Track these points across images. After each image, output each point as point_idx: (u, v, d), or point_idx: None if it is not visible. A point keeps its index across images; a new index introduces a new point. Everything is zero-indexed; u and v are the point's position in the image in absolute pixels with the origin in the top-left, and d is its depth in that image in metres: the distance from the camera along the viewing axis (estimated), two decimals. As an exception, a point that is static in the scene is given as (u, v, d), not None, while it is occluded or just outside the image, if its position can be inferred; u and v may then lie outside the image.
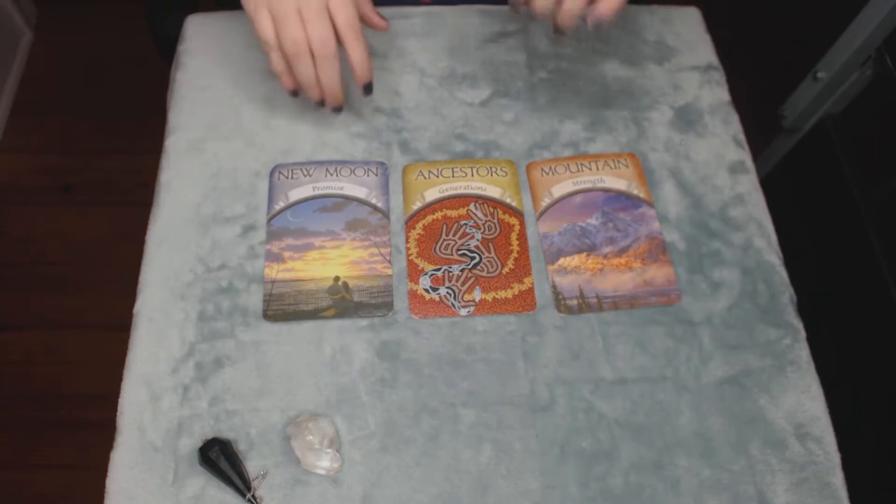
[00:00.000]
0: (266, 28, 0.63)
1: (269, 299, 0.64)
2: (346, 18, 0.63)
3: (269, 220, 0.67)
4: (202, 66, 0.76)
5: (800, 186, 1.20)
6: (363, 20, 0.67)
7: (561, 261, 0.67)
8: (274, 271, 0.65)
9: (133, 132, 1.66)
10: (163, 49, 0.78)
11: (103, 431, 0.59)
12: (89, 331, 1.53)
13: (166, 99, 0.76)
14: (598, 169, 0.72)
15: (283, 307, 0.63)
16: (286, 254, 0.66)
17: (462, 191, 0.70)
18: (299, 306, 0.63)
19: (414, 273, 0.66)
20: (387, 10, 0.81)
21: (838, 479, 0.58)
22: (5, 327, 1.54)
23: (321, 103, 0.67)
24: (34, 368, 1.51)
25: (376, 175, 0.70)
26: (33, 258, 1.62)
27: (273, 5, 0.62)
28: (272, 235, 0.67)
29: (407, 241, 0.67)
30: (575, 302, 0.65)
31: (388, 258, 0.66)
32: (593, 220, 0.69)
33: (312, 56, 0.63)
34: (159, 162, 0.71)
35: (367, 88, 0.67)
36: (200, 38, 0.79)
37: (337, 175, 0.70)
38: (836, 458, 0.59)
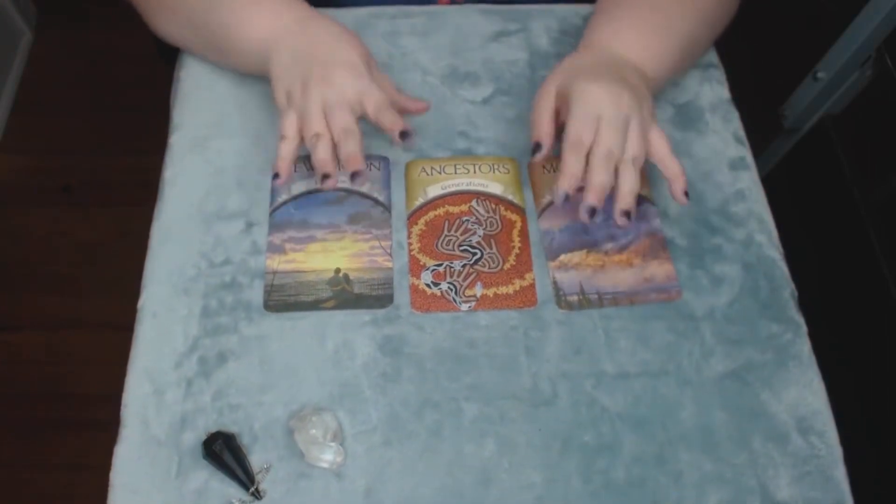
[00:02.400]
0: (290, 126, 0.65)
1: (270, 290, 0.64)
2: (375, 102, 0.65)
3: (272, 212, 0.68)
4: (205, 65, 0.76)
5: (800, 186, 1.20)
6: (402, 111, 0.69)
7: (562, 257, 0.67)
8: (276, 262, 0.65)
9: (133, 132, 1.66)
10: (163, 49, 0.79)
11: (104, 431, 0.59)
12: (90, 331, 1.53)
13: (167, 98, 0.76)
14: (599, 166, 0.72)
15: (283, 298, 0.63)
16: (288, 245, 0.66)
17: (464, 187, 0.70)
18: (300, 297, 0.64)
19: (416, 268, 0.66)
20: (390, 9, 0.81)
21: (840, 473, 0.59)
22: (5, 327, 1.54)
23: (324, 177, 0.65)
24: (34, 368, 1.51)
25: (378, 169, 0.71)
26: (33, 258, 1.62)
27: (298, 105, 0.65)
28: (274, 227, 0.67)
29: (409, 237, 0.67)
30: (575, 298, 0.65)
31: (388, 251, 0.66)
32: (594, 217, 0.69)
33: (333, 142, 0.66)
34: (161, 160, 0.71)
35: (403, 135, 0.66)
36: (203, 35, 0.79)
37: (339, 169, 0.70)
38: (838, 451, 0.59)
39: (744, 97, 0.81)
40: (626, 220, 0.63)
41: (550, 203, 0.70)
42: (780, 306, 0.65)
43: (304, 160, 0.70)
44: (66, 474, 1.40)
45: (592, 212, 0.63)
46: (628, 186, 0.63)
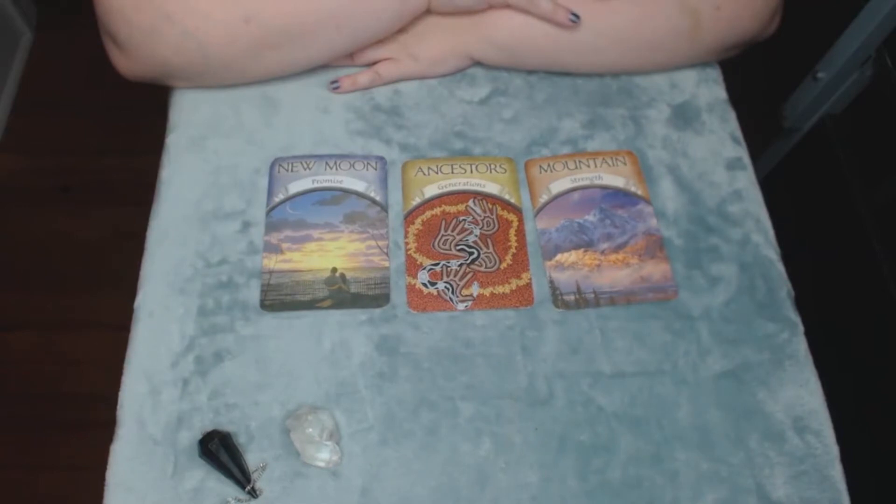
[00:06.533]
0: None
1: (266, 289, 0.64)
2: None
3: (269, 211, 0.68)
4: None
5: (800, 186, 1.20)
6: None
7: (558, 257, 0.67)
8: (272, 262, 0.65)
9: (133, 132, 1.66)
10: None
11: (104, 431, 0.59)
12: (89, 331, 1.53)
13: (166, 98, 0.76)
14: (595, 166, 0.72)
15: (280, 297, 0.64)
16: (284, 245, 0.66)
17: (461, 187, 0.70)
18: (296, 297, 0.64)
19: (412, 268, 0.66)
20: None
21: (837, 472, 0.59)
22: (5, 327, 1.54)
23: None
24: (34, 368, 1.51)
25: (375, 169, 0.71)
26: (32, 258, 1.62)
27: None
28: (271, 227, 0.67)
29: (406, 237, 0.67)
30: (572, 297, 0.65)
31: (385, 251, 0.66)
32: (591, 217, 0.69)
33: None
34: (159, 160, 0.71)
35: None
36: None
37: (336, 168, 0.70)
38: (834, 450, 0.59)
39: (744, 97, 0.81)
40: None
41: (547, 203, 0.70)
42: (776, 306, 0.65)
43: (301, 160, 0.71)
44: (66, 474, 1.40)
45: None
46: None
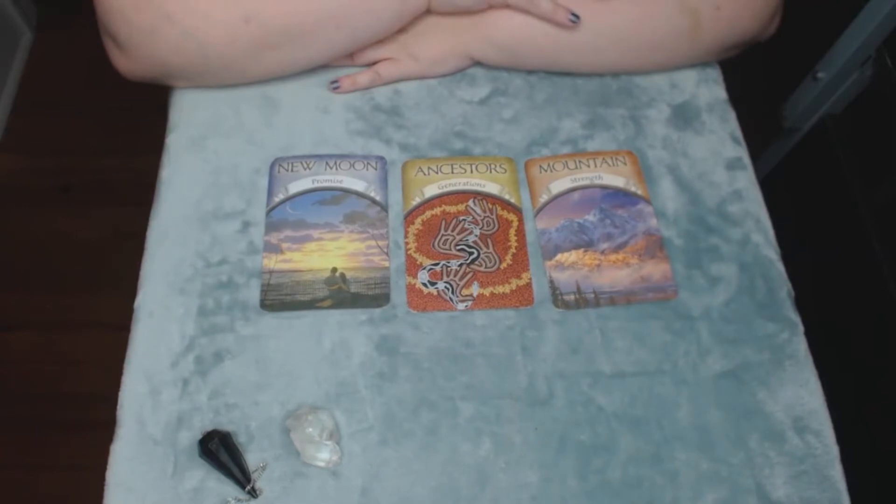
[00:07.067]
0: None
1: (266, 289, 0.64)
2: None
3: (269, 211, 0.68)
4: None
5: (800, 186, 1.20)
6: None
7: (558, 256, 0.67)
8: (272, 262, 0.65)
9: (133, 132, 1.65)
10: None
11: (103, 431, 0.59)
12: (89, 331, 1.53)
13: (166, 98, 0.76)
14: (596, 166, 0.72)
15: (280, 297, 0.64)
16: (284, 245, 0.66)
17: (461, 187, 0.70)
18: (296, 296, 0.64)
19: (412, 268, 0.66)
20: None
21: (837, 472, 0.59)
22: (5, 327, 1.54)
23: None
24: (34, 368, 1.51)
25: (375, 169, 0.71)
26: (33, 258, 1.62)
27: None
28: (271, 227, 0.67)
29: (406, 237, 0.67)
30: (572, 297, 0.65)
31: (385, 251, 0.66)
32: (591, 217, 0.69)
33: None
34: (159, 160, 0.71)
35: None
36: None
37: (336, 168, 0.70)
38: (834, 450, 0.59)
39: (744, 97, 0.81)
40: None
41: (547, 203, 0.70)
42: (776, 306, 0.65)
43: (302, 159, 0.71)
44: (65, 474, 1.40)
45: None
46: None
